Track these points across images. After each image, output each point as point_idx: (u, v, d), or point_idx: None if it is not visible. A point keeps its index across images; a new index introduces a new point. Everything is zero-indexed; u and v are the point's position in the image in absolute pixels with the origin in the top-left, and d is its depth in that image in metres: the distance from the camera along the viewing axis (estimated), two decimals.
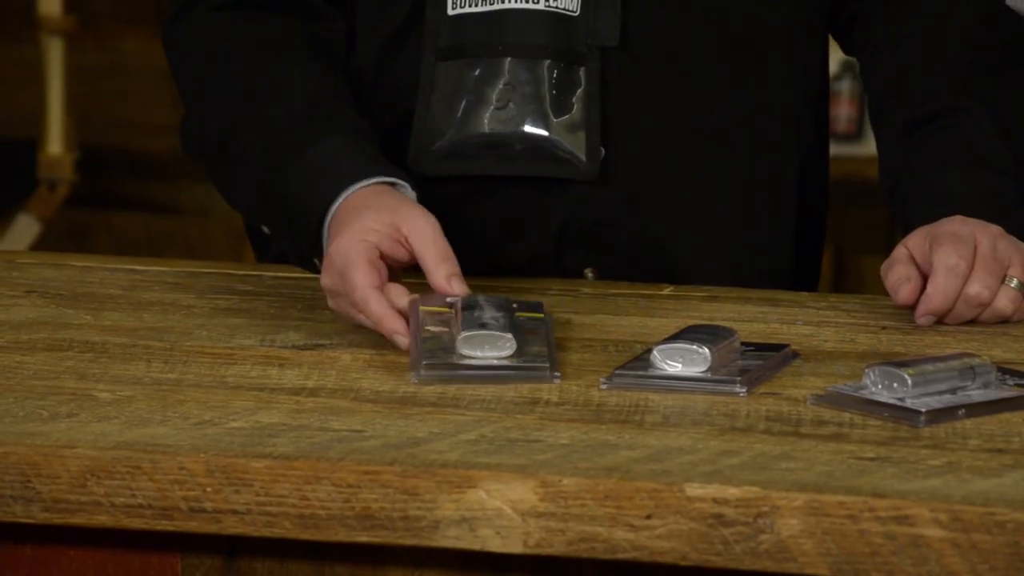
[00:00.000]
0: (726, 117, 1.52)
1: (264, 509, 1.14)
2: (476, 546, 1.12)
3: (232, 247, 2.97)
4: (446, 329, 1.30)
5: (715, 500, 1.10)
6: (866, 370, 1.25)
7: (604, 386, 1.27)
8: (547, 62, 1.49)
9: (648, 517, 1.11)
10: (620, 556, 1.11)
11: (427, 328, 1.31)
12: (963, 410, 1.22)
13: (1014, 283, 1.39)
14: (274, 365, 1.32)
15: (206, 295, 1.50)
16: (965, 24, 1.52)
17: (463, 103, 1.51)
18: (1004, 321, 1.41)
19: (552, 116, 1.49)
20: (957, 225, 1.41)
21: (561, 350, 1.34)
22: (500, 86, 1.50)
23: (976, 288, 1.38)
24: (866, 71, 1.56)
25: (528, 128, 1.50)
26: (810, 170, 1.57)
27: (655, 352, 1.28)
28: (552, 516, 1.12)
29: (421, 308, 1.32)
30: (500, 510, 1.12)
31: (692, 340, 1.27)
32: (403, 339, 1.32)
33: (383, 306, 1.33)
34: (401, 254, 1.36)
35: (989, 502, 1.08)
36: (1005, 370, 1.28)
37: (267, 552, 1.18)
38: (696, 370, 1.26)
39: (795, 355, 1.33)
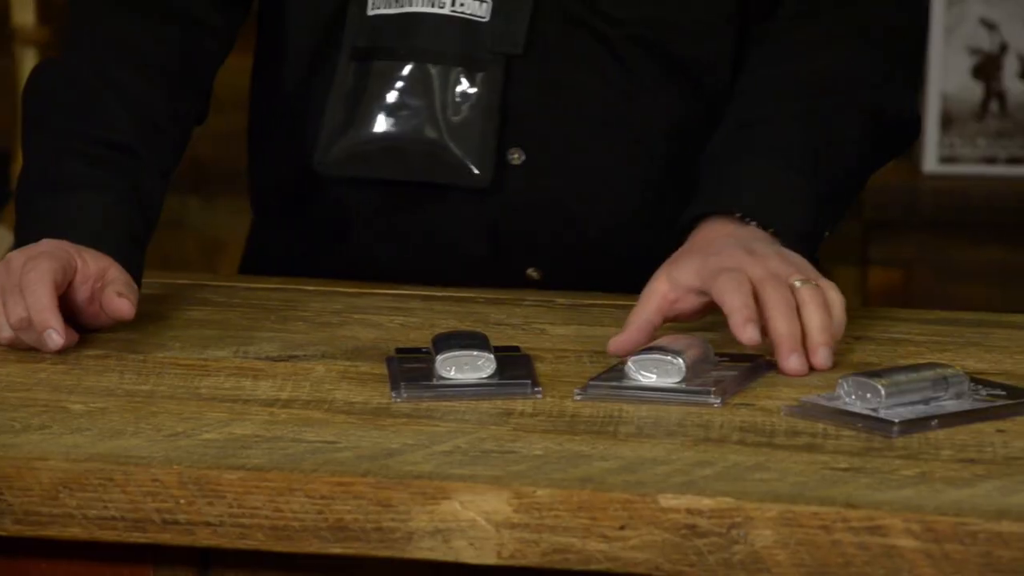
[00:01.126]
0: (641, 117, 1.53)
1: (237, 521, 1.14)
2: (450, 557, 1.12)
3: (206, 258, 2.96)
4: (424, 365, 1.30)
5: (689, 511, 1.10)
6: (840, 381, 1.25)
7: (578, 397, 1.27)
8: (449, 67, 1.51)
9: (622, 528, 1.11)
10: (594, 567, 1.11)
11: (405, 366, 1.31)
12: (936, 420, 1.22)
13: (798, 283, 1.33)
14: (248, 376, 1.32)
15: (179, 306, 1.49)
16: (825, 57, 1.50)
17: (364, 105, 1.52)
18: (825, 321, 1.32)
19: (448, 122, 1.50)
20: (725, 257, 1.34)
21: (535, 361, 1.34)
22: (400, 89, 1.51)
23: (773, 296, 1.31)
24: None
25: (424, 133, 1.51)
26: None
27: (629, 363, 1.28)
28: (526, 527, 1.12)
29: (398, 355, 1.33)
30: (474, 521, 1.12)
31: (666, 351, 1.28)
32: (56, 337, 1.33)
33: (51, 299, 1.34)
34: (84, 295, 1.38)
35: (962, 512, 1.08)
36: (977, 380, 1.29)
37: (240, 564, 1.18)
38: (670, 381, 1.26)
39: (769, 366, 1.33)
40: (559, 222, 1.54)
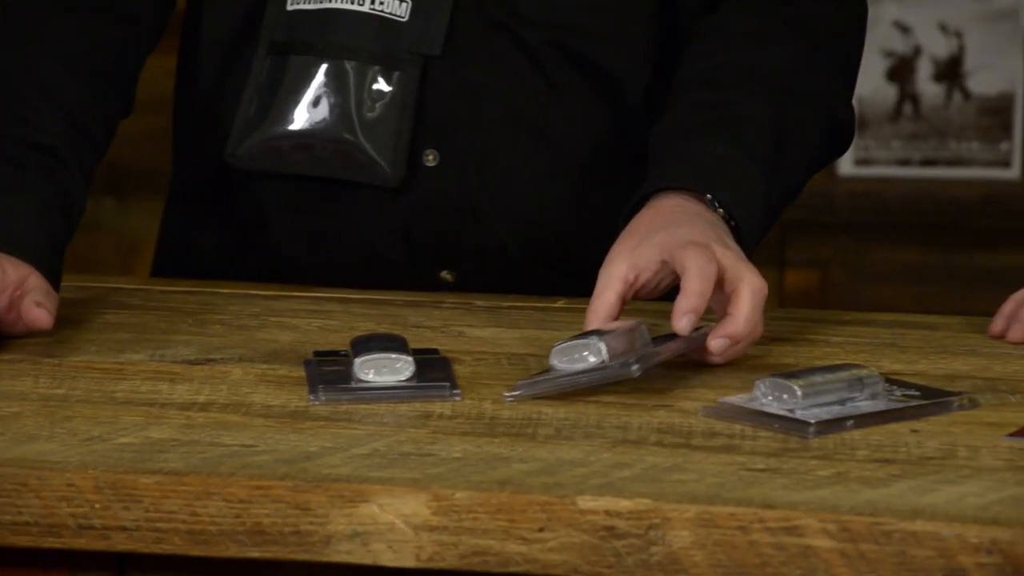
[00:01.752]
0: (558, 121, 1.53)
1: (154, 525, 1.13)
2: (368, 560, 1.12)
3: (121, 261, 2.94)
4: (342, 368, 1.30)
5: (607, 512, 1.10)
6: (756, 382, 1.26)
7: (509, 399, 1.27)
8: (366, 65, 1.51)
9: (540, 530, 1.11)
10: (513, 569, 1.11)
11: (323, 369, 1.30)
12: (851, 421, 1.23)
13: None
14: (164, 380, 1.31)
15: (95, 310, 1.48)
16: (778, 53, 1.50)
17: (279, 99, 1.52)
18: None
19: (361, 120, 1.50)
20: (696, 233, 1.33)
21: (454, 363, 1.34)
22: (316, 85, 1.51)
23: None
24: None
25: (338, 130, 1.51)
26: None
27: (552, 352, 1.28)
28: (445, 530, 1.12)
29: (316, 358, 1.33)
30: (392, 524, 1.12)
31: (588, 334, 1.28)
32: None
33: None
34: (3, 304, 1.37)
35: (877, 512, 1.09)
36: (892, 381, 1.30)
37: (157, 569, 1.17)
38: (594, 361, 1.26)
39: (703, 333, 1.31)
40: (472, 225, 1.54)
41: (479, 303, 1.52)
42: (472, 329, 1.45)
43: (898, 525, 1.08)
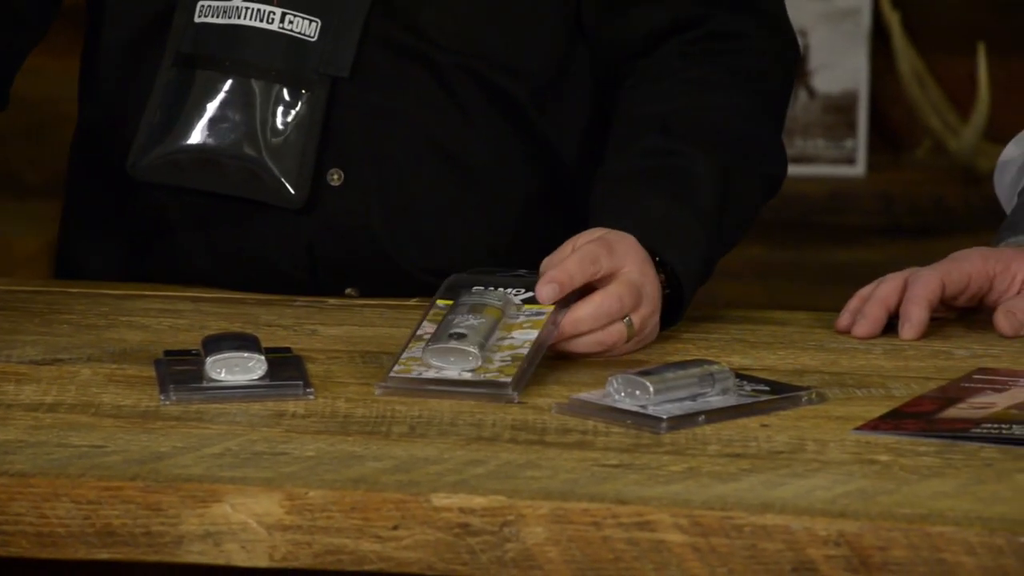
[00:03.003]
0: (466, 145, 1.53)
1: (0, 528, 1.11)
2: (221, 560, 1.11)
3: None
4: (193, 367, 1.29)
5: (461, 510, 1.11)
6: (609, 379, 1.27)
7: (380, 392, 1.27)
8: (271, 84, 1.49)
9: (395, 528, 1.11)
10: (367, 568, 1.11)
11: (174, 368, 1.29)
12: (703, 416, 1.25)
13: (626, 319, 1.36)
14: (10, 381, 1.29)
15: None
16: (725, 105, 1.52)
17: (184, 114, 1.50)
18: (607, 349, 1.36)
19: (266, 139, 1.49)
20: (634, 252, 1.37)
21: (307, 362, 1.34)
22: (221, 102, 1.49)
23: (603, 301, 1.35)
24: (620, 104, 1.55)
25: (242, 148, 1.49)
26: (561, 193, 1.57)
27: (426, 353, 1.28)
28: (298, 529, 1.11)
29: (166, 357, 1.31)
30: (245, 524, 1.11)
31: (462, 337, 1.28)
32: None
33: None
34: None
35: (727, 506, 1.11)
36: (742, 376, 1.32)
37: (4, 572, 1.15)
38: (468, 368, 1.27)
39: (558, 316, 1.33)
40: (376, 244, 1.53)
41: (331, 302, 1.51)
42: (325, 328, 1.44)
43: (748, 519, 1.10)
